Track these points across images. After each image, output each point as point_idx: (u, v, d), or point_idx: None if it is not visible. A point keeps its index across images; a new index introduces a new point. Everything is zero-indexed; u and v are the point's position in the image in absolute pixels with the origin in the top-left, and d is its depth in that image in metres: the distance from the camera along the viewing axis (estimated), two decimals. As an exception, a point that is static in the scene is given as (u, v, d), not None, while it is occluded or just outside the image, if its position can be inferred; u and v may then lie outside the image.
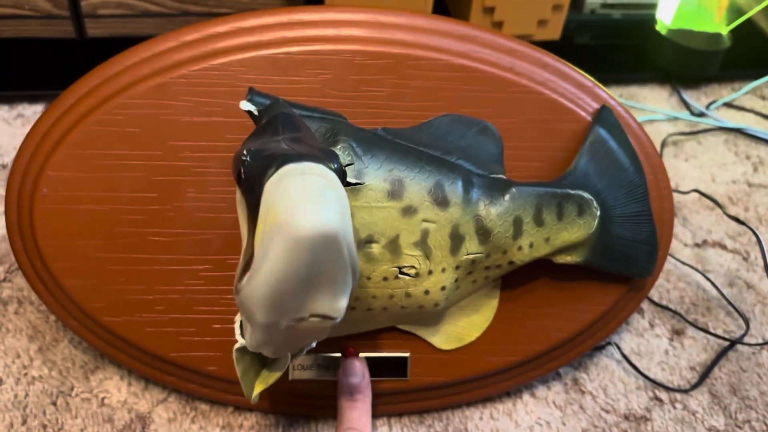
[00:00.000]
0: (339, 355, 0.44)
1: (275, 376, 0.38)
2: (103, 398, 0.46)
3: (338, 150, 0.38)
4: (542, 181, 0.42)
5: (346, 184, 0.38)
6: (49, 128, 0.42)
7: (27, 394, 0.45)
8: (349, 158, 0.38)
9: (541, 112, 0.44)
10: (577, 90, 0.44)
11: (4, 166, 0.61)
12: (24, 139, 0.42)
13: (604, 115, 0.44)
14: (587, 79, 0.45)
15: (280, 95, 0.41)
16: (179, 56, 0.42)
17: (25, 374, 0.46)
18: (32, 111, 0.66)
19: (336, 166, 0.32)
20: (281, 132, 0.33)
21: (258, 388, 0.38)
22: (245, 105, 0.37)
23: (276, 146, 0.32)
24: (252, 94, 0.38)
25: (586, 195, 0.42)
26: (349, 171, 0.38)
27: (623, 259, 0.43)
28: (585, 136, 0.43)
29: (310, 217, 0.28)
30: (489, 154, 0.43)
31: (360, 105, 0.42)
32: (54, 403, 0.45)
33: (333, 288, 0.31)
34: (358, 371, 0.41)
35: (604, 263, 0.43)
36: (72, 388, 0.46)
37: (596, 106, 0.44)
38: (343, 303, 0.32)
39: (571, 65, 0.45)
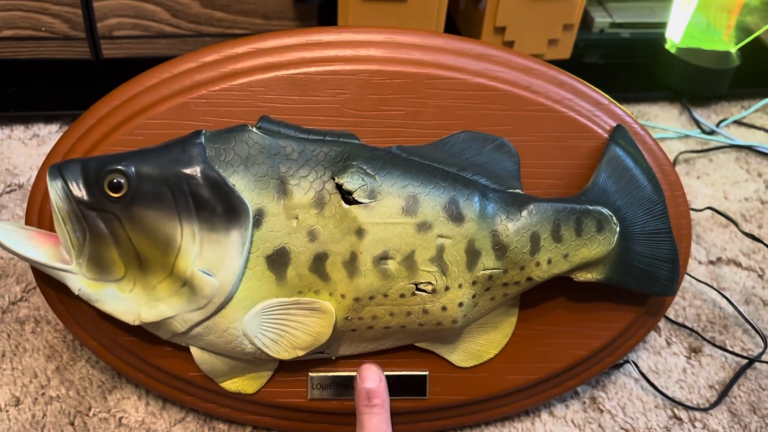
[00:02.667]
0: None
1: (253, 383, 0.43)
2: (120, 418, 0.46)
3: (348, 175, 0.38)
4: (560, 197, 0.42)
5: (357, 202, 0.38)
6: (70, 149, 0.42)
7: (45, 414, 0.45)
8: (360, 181, 0.38)
9: (559, 130, 0.44)
10: (593, 108, 0.44)
11: (20, 186, 0.61)
12: (45, 159, 0.43)
13: (620, 133, 0.44)
14: (603, 97, 0.45)
15: (299, 115, 0.42)
16: (199, 77, 0.42)
17: (43, 394, 0.46)
18: (48, 131, 0.67)
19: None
20: None
21: (234, 384, 0.43)
22: None
23: None
24: (262, 122, 0.39)
25: (605, 211, 0.42)
26: (362, 191, 0.38)
27: (645, 277, 0.43)
28: (602, 154, 0.43)
29: None
30: (506, 170, 0.43)
31: (378, 124, 0.42)
32: (72, 423, 0.45)
33: None
34: (375, 376, 0.41)
35: (625, 281, 0.43)
36: (90, 408, 0.46)
37: (613, 123, 0.45)
38: None
39: (587, 83, 0.45)
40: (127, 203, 0.37)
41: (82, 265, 0.38)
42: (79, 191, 0.37)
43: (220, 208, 0.37)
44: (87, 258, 0.38)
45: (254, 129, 0.39)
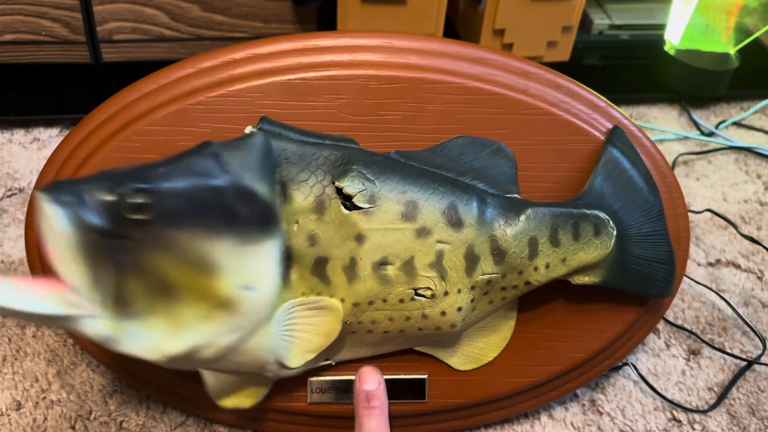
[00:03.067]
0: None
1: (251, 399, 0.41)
2: (121, 422, 0.46)
3: (348, 179, 0.38)
4: (558, 201, 0.42)
5: (356, 207, 0.38)
6: (69, 154, 0.42)
7: (46, 418, 0.45)
8: (360, 186, 0.38)
9: (556, 133, 0.44)
10: (590, 111, 0.45)
11: (21, 190, 0.61)
12: (44, 164, 0.43)
13: (617, 136, 0.44)
14: (600, 100, 0.45)
15: (296, 120, 0.42)
16: (197, 83, 0.42)
17: (44, 398, 0.47)
18: (48, 135, 0.67)
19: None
20: None
21: (232, 401, 0.41)
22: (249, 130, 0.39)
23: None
24: (263, 123, 0.39)
25: (602, 215, 0.42)
26: (362, 196, 0.38)
27: (641, 279, 0.43)
28: (599, 157, 0.43)
29: None
30: (503, 175, 0.43)
31: (376, 129, 0.43)
32: (73, 427, 0.45)
33: None
34: (374, 378, 0.41)
35: (622, 283, 0.43)
36: (90, 412, 0.46)
37: (610, 126, 0.45)
38: None
39: (584, 86, 0.45)
40: (151, 226, 0.33)
41: (98, 303, 0.33)
42: (94, 217, 0.32)
43: (252, 219, 0.35)
44: (105, 295, 0.33)
45: (255, 130, 0.39)
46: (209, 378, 0.39)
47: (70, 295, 0.33)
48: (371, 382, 0.41)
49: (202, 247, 0.34)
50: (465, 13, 0.74)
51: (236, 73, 0.42)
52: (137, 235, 0.33)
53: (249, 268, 0.35)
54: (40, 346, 0.49)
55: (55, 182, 0.34)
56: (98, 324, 0.33)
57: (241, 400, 0.41)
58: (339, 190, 0.39)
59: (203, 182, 0.35)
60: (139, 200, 0.33)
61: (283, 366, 0.38)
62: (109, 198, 0.33)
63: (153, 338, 0.34)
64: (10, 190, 0.61)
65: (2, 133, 0.67)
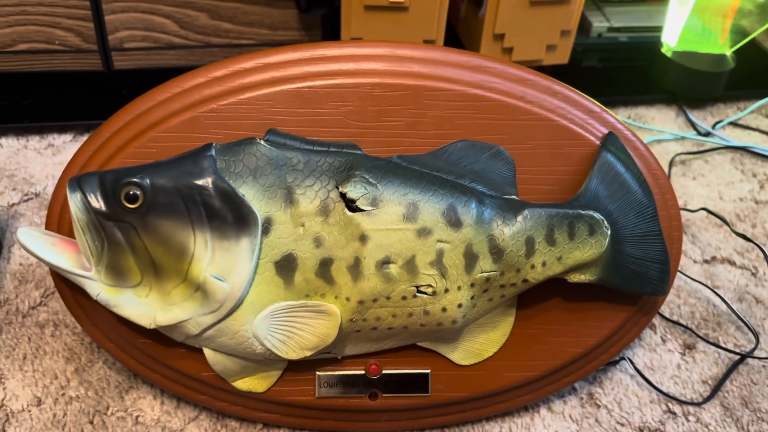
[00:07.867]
0: (363, 372, 0.46)
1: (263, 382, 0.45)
2: (137, 417, 0.48)
3: (351, 184, 0.40)
4: (554, 203, 0.44)
5: (360, 209, 0.40)
6: (87, 161, 0.44)
7: (65, 414, 0.47)
8: (363, 190, 0.40)
9: (552, 138, 0.46)
10: (586, 116, 0.46)
11: (37, 195, 0.63)
12: (63, 171, 0.45)
13: (611, 140, 0.46)
14: (595, 105, 0.47)
15: (304, 127, 0.44)
16: (208, 91, 0.44)
17: (63, 394, 0.49)
18: (62, 141, 0.69)
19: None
20: None
21: (245, 383, 0.45)
22: None
23: None
24: (269, 135, 0.41)
25: (597, 215, 0.44)
26: (365, 199, 0.40)
27: (636, 278, 0.45)
28: (594, 161, 0.45)
29: None
30: (502, 177, 0.45)
31: (379, 134, 0.44)
32: (91, 422, 0.47)
33: None
34: None
35: (618, 282, 0.45)
36: (108, 408, 0.48)
37: (604, 130, 0.46)
38: None
39: (579, 92, 0.47)
40: (142, 213, 0.40)
41: (100, 272, 0.40)
42: (97, 203, 0.40)
43: (231, 217, 0.40)
44: (105, 265, 0.40)
45: (262, 141, 0.41)
46: (210, 355, 0.43)
47: (83, 259, 0.41)
48: None
49: (182, 236, 0.40)
50: (466, 18, 0.76)
51: (246, 82, 0.44)
52: (130, 220, 0.40)
53: (223, 261, 0.40)
54: (59, 345, 0.51)
55: (83, 173, 0.41)
56: (98, 287, 0.40)
57: (255, 384, 0.46)
58: (343, 195, 0.40)
59: (190, 180, 0.40)
60: (131, 191, 0.39)
61: (278, 357, 0.42)
62: (107, 188, 0.40)
63: (146, 307, 0.41)
64: (26, 194, 0.63)
65: (18, 139, 0.69)
